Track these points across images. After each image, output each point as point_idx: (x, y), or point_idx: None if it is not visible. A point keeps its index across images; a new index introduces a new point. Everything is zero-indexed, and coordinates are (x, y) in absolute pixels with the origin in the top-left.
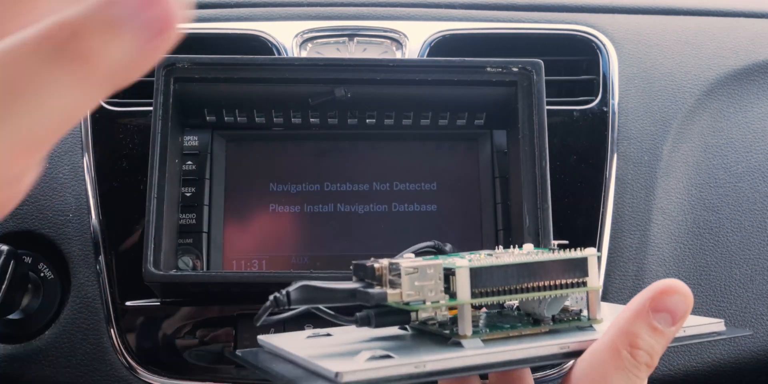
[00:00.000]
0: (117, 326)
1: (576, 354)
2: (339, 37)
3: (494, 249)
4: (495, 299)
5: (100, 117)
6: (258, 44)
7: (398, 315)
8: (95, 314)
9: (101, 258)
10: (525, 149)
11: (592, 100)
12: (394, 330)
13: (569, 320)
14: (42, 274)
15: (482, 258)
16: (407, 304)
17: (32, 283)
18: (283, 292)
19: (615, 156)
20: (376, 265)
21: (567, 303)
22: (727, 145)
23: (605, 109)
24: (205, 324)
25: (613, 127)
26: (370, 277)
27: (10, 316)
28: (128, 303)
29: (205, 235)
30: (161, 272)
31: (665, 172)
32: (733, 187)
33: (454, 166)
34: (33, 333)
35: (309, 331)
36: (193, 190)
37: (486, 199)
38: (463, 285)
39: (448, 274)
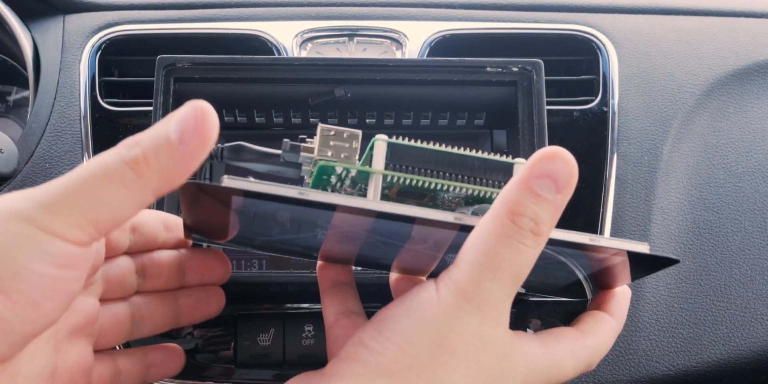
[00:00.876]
0: None
1: (468, 228)
2: (339, 37)
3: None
4: (408, 177)
5: (100, 117)
6: (258, 44)
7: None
8: None
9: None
10: (525, 149)
11: (592, 100)
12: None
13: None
14: None
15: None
16: (317, 163)
17: None
18: (219, 146)
19: (615, 156)
20: (308, 137)
21: None
22: (727, 145)
23: (605, 109)
24: (205, 324)
25: (613, 127)
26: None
27: None
28: None
29: None
30: None
31: (665, 172)
32: (733, 187)
33: None
34: None
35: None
36: None
37: None
38: (379, 157)
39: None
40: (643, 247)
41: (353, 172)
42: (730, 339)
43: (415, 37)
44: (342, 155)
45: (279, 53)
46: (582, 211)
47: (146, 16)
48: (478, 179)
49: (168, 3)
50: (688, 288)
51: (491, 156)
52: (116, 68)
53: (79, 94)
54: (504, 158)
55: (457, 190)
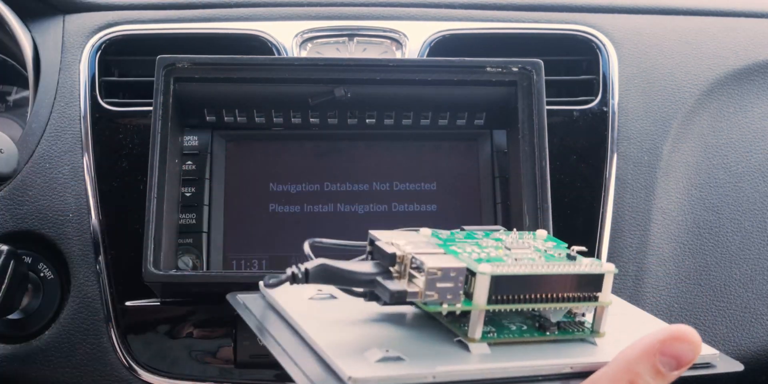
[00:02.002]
0: (117, 326)
1: (581, 375)
2: (339, 37)
3: (496, 228)
4: (509, 306)
5: (100, 117)
6: (258, 44)
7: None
8: (95, 314)
9: (101, 258)
10: (525, 149)
11: (592, 100)
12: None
13: (573, 331)
14: (42, 274)
15: (499, 254)
16: (425, 304)
17: (32, 283)
18: (302, 268)
19: (615, 156)
20: (398, 254)
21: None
22: (727, 145)
23: (605, 109)
24: (205, 324)
25: (613, 127)
26: (389, 263)
27: (10, 316)
28: (128, 303)
29: (205, 235)
30: (161, 272)
31: (665, 172)
32: (733, 187)
33: (454, 166)
34: (33, 333)
35: (313, 289)
36: (193, 190)
37: (486, 199)
38: (481, 291)
39: (469, 274)
40: (713, 357)
41: (458, 310)
42: (730, 339)
43: (415, 37)
44: (447, 296)
45: (279, 53)
46: (582, 211)
47: (146, 16)
48: (574, 295)
49: (168, 3)
50: (688, 288)
51: (586, 267)
52: (116, 68)
53: (79, 94)
54: (595, 269)
55: (556, 309)
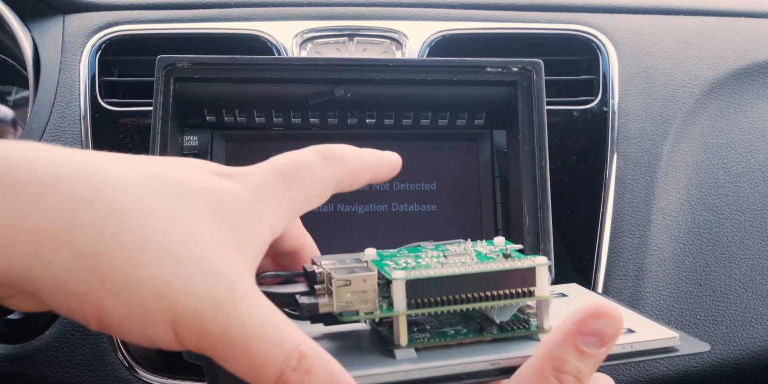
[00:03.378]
0: None
1: (509, 370)
2: (339, 37)
3: (457, 241)
4: (433, 310)
5: (99, 117)
6: (258, 44)
7: (335, 318)
8: None
9: None
10: (525, 149)
11: (592, 100)
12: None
13: (513, 330)
14: None
15: (430, 263)
16: (340, 314)
17: None
18: None
19: (615, 156)
20: (317, 271)
21: (530, 303)
22: (727, 145)
23: (605, 109)
24: None
25: (613, 127)
26: (313, 281)
27: (10, 316)
28: None
29: None
30: None
31: (665, 172)
32: (733, 187)
33: (454, 166)
34: (33, 333)
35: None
36: None
37: (486, 199)
38: (399, 296)
39: (387, 282)
40: (674, 340)
41: (377, 317)
42: (730, 339)
43: (415, 37)
44: (362, 303)
45: (279, 53)
46: (582, 211)
47: (146, 16)
48: (504, 292)
49: (168, 3)
50: (688, 288)
51: (511, 263)
52: (116, 68)
53: (79, 94)
54: (523, 263)
55: (499, 310)
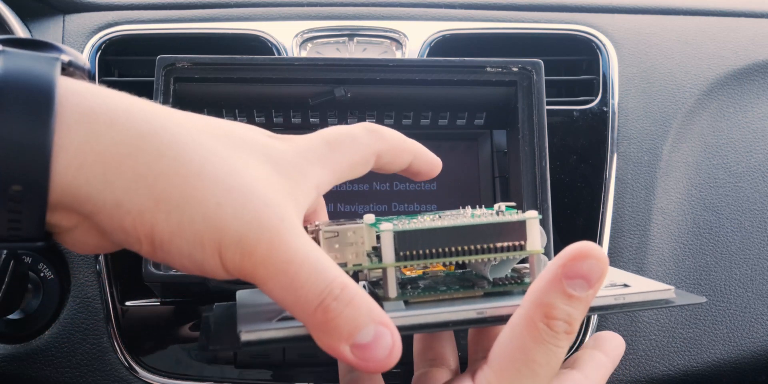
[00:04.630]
0: (117, 326)
1: (496, 320)
2: (339, 37)
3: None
4: (423, 262)
5: None
6: (258, 44)
7: None
8: (95, 314)
9: (101, 258)
10: (525, 149)
11: (592, 100)
12: None
13: (505, 284)
14: (42, 274)
15: (418, 220)
16: None
17: (32, 283)
18: None
19: (615, 156)
20: (310, 228)
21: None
22: (727, 145)
23: (605, 109)
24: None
25: (613, 127)
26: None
27: (10, 316)
28: (128, 303)
29: None
30: (161, 272)
31: (665, 172)
32: (733, 187)
33: (454, 166)
34: (33, 333)
35: None
36: None
37: (486, 199)
38: (387, 248)
39: (377, 235)
40: (668, 293)
41: (365, 269)
42: (730, 339)
43: (415, 37)
44: (351, 255)
45: (279, 53)
46: (582, 211)
47: (146, 16)
48: (494, 245)
49: (168, 3)
50: (688, 288)
51: (501, 217)
52: (116, 68)
53: None
54: (513, 217)
55: (480, 267)
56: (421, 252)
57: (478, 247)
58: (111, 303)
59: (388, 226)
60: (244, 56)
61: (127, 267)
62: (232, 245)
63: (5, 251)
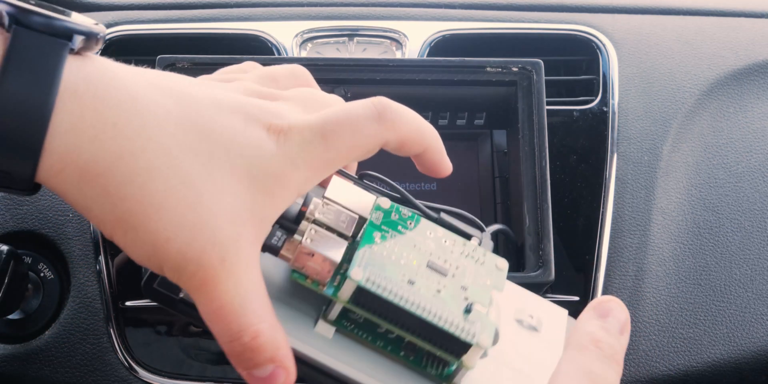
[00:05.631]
0: (117, 326)
1: None
2: (339, 37)
3: (472, 233)
4: (372, 318)
5: None
6: (258, 44)
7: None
8: (95, 314)
9: (101, 258)
10: (525, 149)
11: (592, 100)
12: None
13: (425, 366)
14: (42, 274)
15: (405, 265)
16: (293, 270)
17: (32, 283)
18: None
19: (615, 156)
20: (307, 213)
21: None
22: (727, 145)
23: (605, 109)
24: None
25: (613, 127)
26: (299, 219)
27: (10, 316)
28: (128, 303)
29: None
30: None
31: (665, 172)
32: (733, 187)
33: (454, 166)
34: (33, 333)
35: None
36: None
37: (486, 199)
38: (346, 292)
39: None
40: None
41: (319, 291)
42: (730, 339)
43: (415, 37)
44: (315, 274)
45: (279, 53)
46: (582, 211)
47: (146, 16)
48: (436, 343)
49: (168, 3)
50: (688, 288)
51: (459, 327)
52: None
53: None
54: (466, 337)
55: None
56: (373, 311)
57: (422, 335)
58: (111, 303)
59: (357, 276)
60: (244, 56)
61: (127, 267)
62: (170, 273)
63: (5, 251)
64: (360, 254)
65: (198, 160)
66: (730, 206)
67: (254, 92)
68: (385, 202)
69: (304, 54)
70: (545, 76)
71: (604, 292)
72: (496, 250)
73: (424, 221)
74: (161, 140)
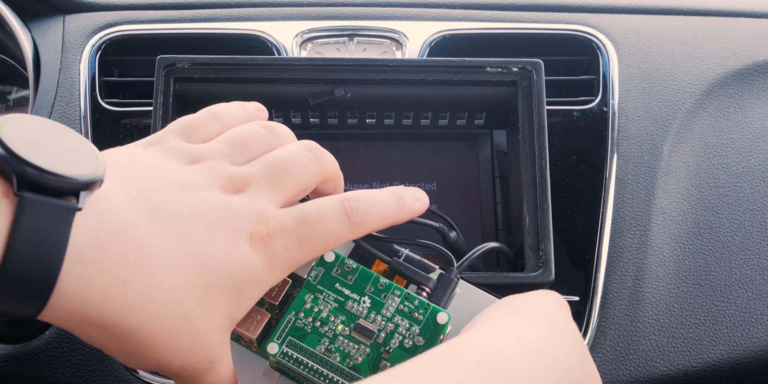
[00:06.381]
0: None
1: None
2: (339, 37)
3: (427, 277)
4: (292, 371)
5: (100, 117)
6: (258, 44)
7: None
8: None
9: None
10: (525, 149)
11: (592, 100)
12: None
13: None
14: None
15: (329, 331)
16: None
17: None
18: None
19: (615, 156)
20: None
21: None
22: (727, 145)
23: (605, 109)
24: None
25: (613, 127)
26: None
27: None
28: None
29: None
30: None
31: (665, 172)
32: (733, 187)
33: (454, 166)
34: (33, 333)
35: None
36: None
37: (486, 199)
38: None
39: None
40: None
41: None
42: (730, 339)
43: (415, 37)
44: (248, 340)
45: (279, 53)
46: (582, 211)
47: (146, 16)
48: None
49: (168, 3)
50: (688, 288)
51: None
52: (116, 68)
53: (79, 94)
54: None
55: None
56: (293, 376)
57: None
58: None
59: (272, 348)
60: (244, 56)
61: None
62: (168, 374)
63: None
64: (283, 324)
65: (195, 294)
66: (730, 206)
67: (228, 180)
68: (330, 256)
69: (304, 54)
70: (545, 76)
71: (604, 292)
72: (492, 262)
73: (366, 274)
74: (166, 285)
